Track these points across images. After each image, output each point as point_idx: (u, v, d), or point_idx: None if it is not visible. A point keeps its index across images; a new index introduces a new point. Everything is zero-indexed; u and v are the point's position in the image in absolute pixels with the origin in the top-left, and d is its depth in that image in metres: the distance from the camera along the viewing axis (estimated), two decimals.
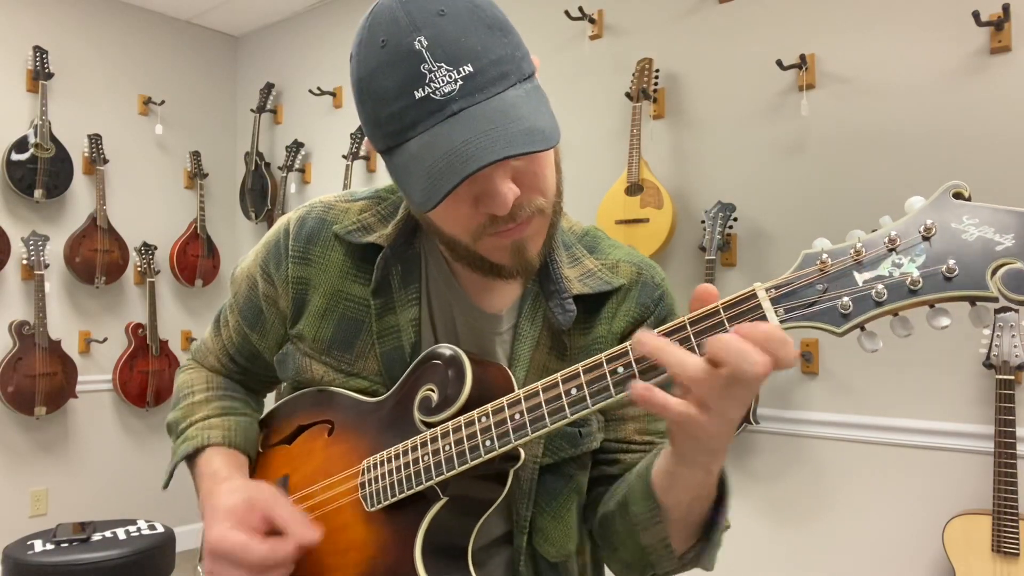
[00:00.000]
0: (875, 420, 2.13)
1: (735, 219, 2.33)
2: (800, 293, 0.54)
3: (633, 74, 2.49)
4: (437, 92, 0.65)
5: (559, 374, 0.66)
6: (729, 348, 0.54)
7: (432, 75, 0.65)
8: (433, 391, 0.76)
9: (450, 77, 0.65)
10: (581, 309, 0.83)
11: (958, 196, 0.51)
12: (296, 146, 3.75)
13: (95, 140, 3.54)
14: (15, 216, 3.36)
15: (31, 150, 3.30)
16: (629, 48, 2.64)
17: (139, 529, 2.61)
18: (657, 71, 2.50)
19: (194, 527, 3.75)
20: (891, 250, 0.52)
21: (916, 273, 0.50)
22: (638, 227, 2.43)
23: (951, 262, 0.49)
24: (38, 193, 3.31)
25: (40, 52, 3.37)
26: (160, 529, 2.62)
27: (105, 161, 3.55)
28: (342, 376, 0.85)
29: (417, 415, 0.77)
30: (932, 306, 0.51)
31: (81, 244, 3.47)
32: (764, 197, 2.35)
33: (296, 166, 3.75)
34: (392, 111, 0.67)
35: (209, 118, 4.11)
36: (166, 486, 0.96)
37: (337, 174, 3.63)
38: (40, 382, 3.27)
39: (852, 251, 0.53)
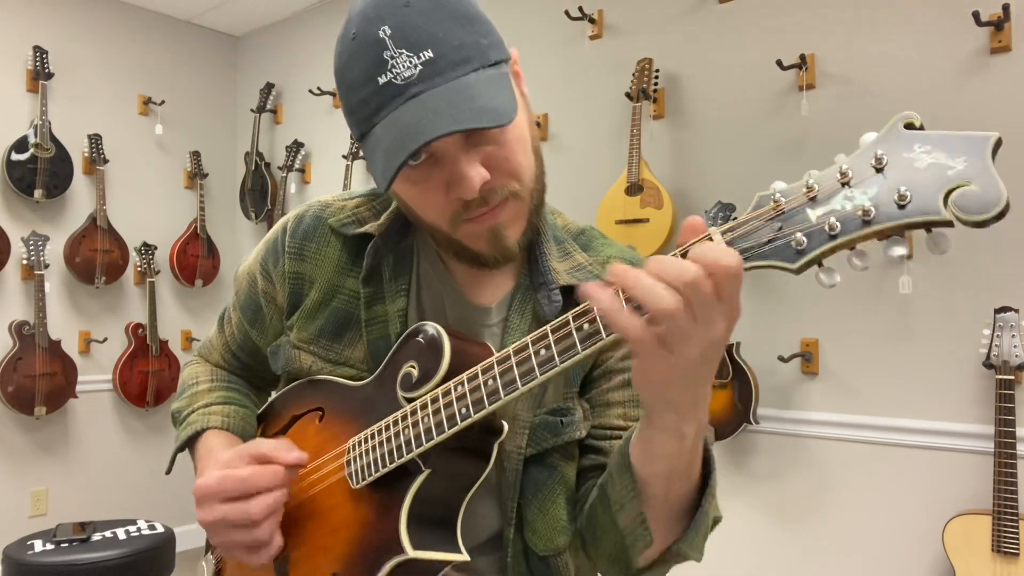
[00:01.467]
0: (875, 420, 2.13)
1: (735, 219, 2.33)
2: (755, 234, 0.54)
3: (633, 74, 2.49)
4: (398, 77, 0.68)
5: (528, 336, 0.66)
6: (637, 285, 0.54)
7: (394, 61, 0.68)
8: (414, 367, 0.76)
9: (411, 63, 0.68)
10: (572, 302, 0.81)
11: (909, 127, 0.50)
12: (296, 146, 3.75)
13: (95, 140, 3.54)
14: (15, 216, 3.36)
15: (31, 150, 3.30)
16: (629, 48, 2.64)
17: (139, 529, 2.61)
18: (657, 71, 2.50)
19: (194, 527, 3.75)
20: (843, 184, 0.51)
21: (868, 204, 0.49)
22: (638, 227, 2.43)
23: (903, 189, 0.49)
24: (38, 193, 3.31)
25: (40, 52, 3.37)
26: (160, 529, 2.62)
27: (105, 161, 3.55)
28: (330, 365, 0.87)
29: (399, 392, 0.77)
30: (887, 236, 0.50)
31: (81, 244, 3.47)
32: None
33: (296, 166, 3.75)
34: (360, 98, 0.71)
35: (209, 118, 4.11)
36: (169, 471, 0.98)
37: (337, 174, 3.63)
38: (40, 382, 3.27)
39: (804, 188, 0.53)
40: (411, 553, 0.71)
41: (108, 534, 2.54)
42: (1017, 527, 1.74)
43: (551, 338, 0.63)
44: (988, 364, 1.85)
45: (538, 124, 2.87)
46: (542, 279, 0.83)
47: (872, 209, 0.49)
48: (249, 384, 1.03)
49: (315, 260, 0.88)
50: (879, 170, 0.49)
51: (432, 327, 0.77)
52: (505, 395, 0.66)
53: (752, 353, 2.32)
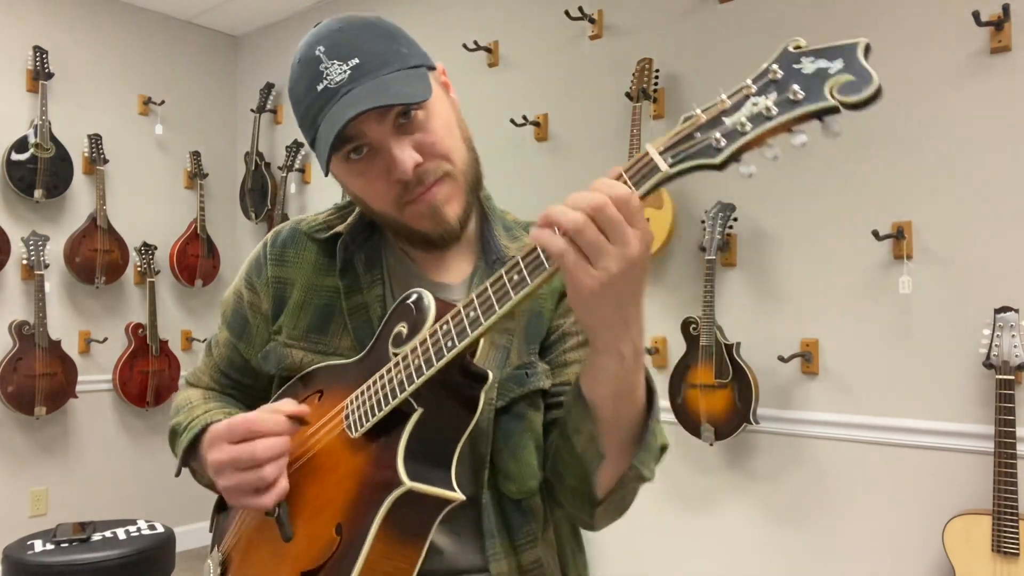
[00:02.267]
0: (875, 420, 2.13)
1: (735, 219, 2.33)
2: (681, 143, 0.64)
3: (633, 74, 2.49)
4: (332, 82, 0.82)
5: (503, 267, 0.73)
6: (554, 212, 0.67)
7: (328, 70, 0.82)
8: (404, 326, 0.83)
9: (341, 69, 0.82)
10: None
11: (797, 48, 0.62)
12: (296, 146, 3.75)
13: (95, 140, 3.54)
14: (15, 216, 3.36)
15: (31, 150, 3.30)
16: (629, 48, 2.64)
17: (139, 529, 2.61)
18: (657, 71, 2.50)
19: (194, 527, 3.75)
20: (747, 96, 0.63)
21: (770, 105, 0.61)
22: None
23: (795, 88, 0.60)
24: (38, 193, 3.31)
25: (40, 52, 3.37)
26: (160, 529, 2.62)
27: (105, 161, 3.55)
28: (320, 357, 0.93)
29: (391, 349, 0.83)
30: (790, 129, 0.61)
31: (81, 244, 3.47)
32: (764, 197, 2.35)
33: (296, 166, 3.75)
34: (306, 106, 0.85)
35: (209, 118, 4.11)
36: (178, 473, 1.02)
37: None
38: (40, 382, 3.27)
39: (719, 102, 0.65)
40: (408, 483, 0.74)
41: (108, 534, 2.54)
42: (1017, 527, 1.74)
43: (522, 264, 0.71)
44: (988, 364, 1.85)
45: (537, 124, 2.87)
46: (495, 256, 0.94)
47: (774, 108, 0.61)
48: (240, 402, 1.06)
49: (295, 264, 0.98)
50: (774, 81, 0.62)
51: (416, 291, 0.84)
52: (485, 320, 0.72)
53: (752, 353, 2.32)
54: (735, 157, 0.63)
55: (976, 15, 1.91)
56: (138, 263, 3.69)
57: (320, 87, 0.82)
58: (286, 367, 0.95)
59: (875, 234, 2.06)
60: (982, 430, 1.93)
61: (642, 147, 2.48)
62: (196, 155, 3.93)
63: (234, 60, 4.22)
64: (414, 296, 0.83)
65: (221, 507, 1.02)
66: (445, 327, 0.76)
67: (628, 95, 2.49)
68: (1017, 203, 1.93)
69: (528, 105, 2.93)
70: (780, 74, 0.62)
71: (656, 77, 2.50)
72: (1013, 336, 1.81)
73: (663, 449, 0.84)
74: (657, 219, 2.40)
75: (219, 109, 4.16)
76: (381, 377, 0.81)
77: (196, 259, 3.88)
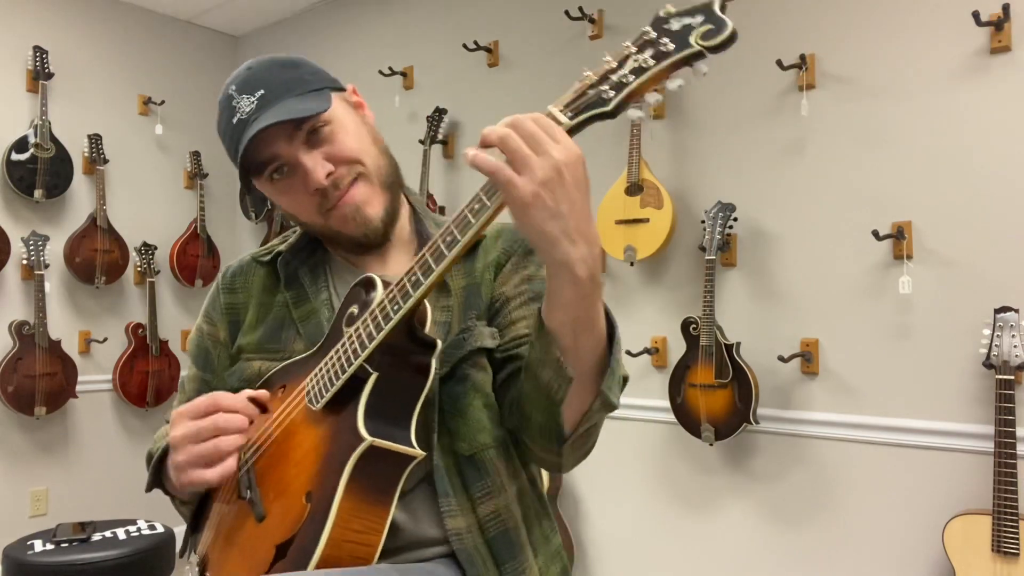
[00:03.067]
0: (875, 420, 2.13)
1: (735, 219, 2.33)
2: (577, 100, 0.74)
3: None
4: (243, 113, 0.92)
5: (437, 234, 0.78)
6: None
7: (238, 104, 0.93)
8: (355, 307, 0.88)
9: (249, 101, 0.92)
10: (463, 261, 0.99)
11: (667, 13, 0.72)
12: None
13: (95, 140, 3.54)
14: (15, 216, 3.36)
15: (31, 150, 3.30)
16: None
17: (139, 529, 2.61)
18: None
19: None
20: (629, 55, 0.73)
21: (647, 58, 0.71)
22: (638, 227, 2.43)
23: (665, 41, 0.71)
24: (38, 193, 3.31)
25: (40, 52, 3.37)
26: (160, 529, 2.62)
27: (105, 161, 3.55)
28: (277, 363, 0.99)
29: (344, 329, 0.88)
30: (667, 77, 0.72)
31: (81, 244, 3.46)
32: (764, 197, 2.35)
33: None
34: (228, 139, 0.94)
35: (209, 118, 4.09)
36: (149, 489, 1.05)
37: None
38: (40, 382, 3.26)
39: (604, 64, 0.74)
40: (369, 439, 0.78)
41: (108, 534, 2.54)
42: (1017, 527, 1.74)
43: (451, 226, 0.77)
44: (988, 364, 1.85)
45: None
46: None
47: (651, 60, 0.71)
48: None
49: (244, 289, 1.07)
50: (649, 40, 0.72)
51: (366, 275, 0.89)
52: (425, 280, 0.78)
53: (752, 353, 2.32)
54: (623, 105, 0.72)
55: (976, 15, 1.91)
56: (138, 263, 3.69)
57: (235, 120, 0.92)
58: (247, 378, 1.01)
59: (875, 234, 2.06)
60: (982, 430, 1.93)
61: (642, 152, 2.48)
62: (196, 155, 3.93)
63: (234, 60, 4.22)
64: (363, 279, 0.90)
65: (195, 527, 1.05)
66: (391, 294, 0.82)
67: None
68: (1017, 203, 1.93)
69: (528, 105, 2.93)
70: (653, 34, 0.72)
71: None
72: (1013, 336, 1.81)
73: (625, 380, 0.87)
74: (657, 219, 2.40)
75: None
76: (336, 351, 0.86)
77: (196, 259, 3.88)
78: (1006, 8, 1.91)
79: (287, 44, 3.95)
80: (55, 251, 3.42)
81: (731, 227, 2.33)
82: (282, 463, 0.87)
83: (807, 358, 2.23)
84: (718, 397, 2.25)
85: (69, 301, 3.53)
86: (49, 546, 2.42)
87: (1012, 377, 1.80)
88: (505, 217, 0.79)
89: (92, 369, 3.58)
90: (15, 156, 3.28)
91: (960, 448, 1.98)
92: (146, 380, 3.67)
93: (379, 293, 0.85)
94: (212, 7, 3.84)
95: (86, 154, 3.54)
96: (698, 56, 0.70)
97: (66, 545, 2.43)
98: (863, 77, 2.18)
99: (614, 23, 2.71)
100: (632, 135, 2.44)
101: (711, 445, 2.39)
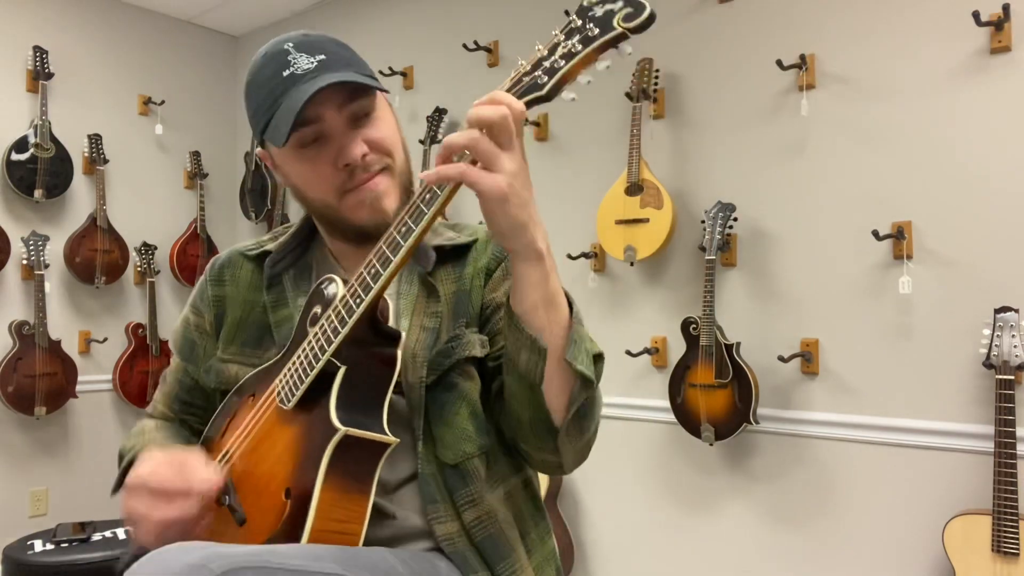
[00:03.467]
0: (875, 420, 2.13)
1: (735, 219, 2.33)
2: (513, 88, 0.78)
3: (633, 74, 2.49)
4: (299, 69, 0.90)
5: (391, 226, 0.82)
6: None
7: (295, 60, 0.90)
8: (318, 308, 0.90)
9: (308, 60, 0.90)
10: (448, 264, 1.02)
11: (590, 2, 0.75)
12: None
13: (95, 140, 3.54)
14: (15, 216, 3.36)
15: (31, 150, 3.30)
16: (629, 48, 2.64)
17: None
18: (657, 71, 2.50)
19: None
20: (558, 43, 0.77)
21: (575, 43, 0.75)
22: (638, 227, 2.43)
23: (591, 26, 0.75)
24: (38, 193, 3.31)
25: (40, 52, 3.37)
26: None
27: (105, 161, 3.55)
28: (251, 369, 1.00)
29: (308, 329, 0.89)
30: (595, 60, 0.76)
31: (81, 244, 3.46)
32: (764, 197, 2.35)
33: None
34: (268, 90, 0.91)
35: (209, 118, 4.11)
36: (114, 492, 1.03)
37: None
38: (40, 382, 3.26)
39: (536, 52, 0.78)
40: (343, 428, 0.79)
41: (108, 534, 2.54)
42: (1017, 527, 1.74)
43: (405, 215, 0.80)
44: (988, 364, 1.85)
45: (538, 124, 2.87)
46: (422, 251, 1.01)
47: (578, 45, 0.75)
48: (191, 429, 1.12)
49: (232, 282, 1.07)
50: (575, 28, 0.76)
51: (327, 276, 0.91)
52: (384, 271, 0.80)
53: (752, 353, 2.32)
54: (557, 88, 0.76)
55: (976, 15, 1.91)
56: (138, 263, 3.69)
57: (286, 73, 0.90)
58: (223, 381, 1.02)
59: (875, 234, 2.06)
60: (982, 430, 1.93)
61: (642, 152, 2.49)
62: (196, 155, 3.93)
63: (234, 60, 4.22)
64: (323, 279, 0.92)
65: None
66: (352, 289, 0.83)
67: (628, 95, 2.49)
68: (1017, 203, 1.93)
69: None
70: (579, 21, 0.76)
71: (656, 77, 2.50)
72: (1013, 336, 1.81)
73: (599, 357, 0.89)
74: (657, 219, 2.40)
75: (219, 109, 4.16)
76: (302, 350, 0.88)
77: (196, 259, 3.88)
78: (1006, 8, 1.91)
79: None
80: (55, 251, 3.42)
81: (731, 227, 2.33)
82: (258, 466, 0.88)
83: (807, 358, 2.23)
84: (718, 397, 2.25)
85: (69, 301, 3.53)
86: (49, 546, 2.42)
87: (1012, 377, 1.79)
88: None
89: (92, 369, 3.58)
90: (15, 156, 3.28)
91: (960, 448, 1.98)
92: (146, 380, 3.67)
93: (340, 289, 0.87)
94: (212, 7, 3.84)
95: (86, 154, 3.54)
96: (621, 37, 0.74)
97: (66, 545, 2.43)
98: (863, 77, 2.18)
99: None
100: (632, 135, 2.44)
101: (711, 445, 2.39)
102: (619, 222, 2.46)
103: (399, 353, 0.87)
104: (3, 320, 3.28)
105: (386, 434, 0.82)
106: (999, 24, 1.93)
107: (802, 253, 2.27)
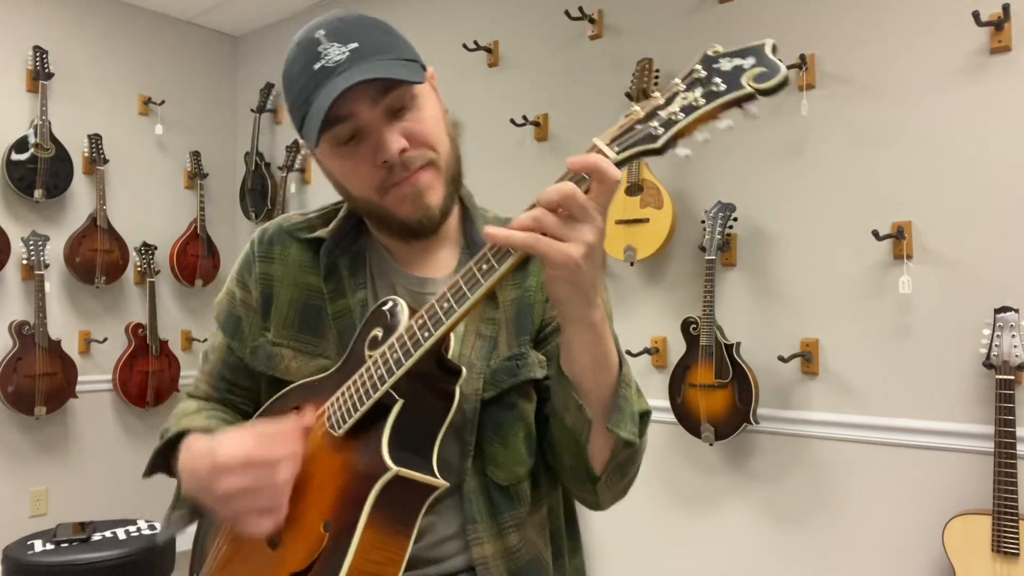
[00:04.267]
0: (875, 420, 2.13)
1: (735, 219, 2.33)
2: (625, 135, 0.73)
3: (633, 74, 2.49)
4: (330, 61, 0.84)
5: (472, 260, 0.76)
6: (546, 191, 0.72)
7: (326, 51, 0.84)
8: (379, 331, 0.85)
9: (340, 51, 0.84)
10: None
11: (715, 52, 0.70)
12: (296, 146, 3.75)
13: (95, 140, 3.54)
14: (15, 216, 3.36)
15: (31, 150, 3.30)
16: (629, 48, 2.64)
17: (139, 529, 2.61)
18: (657, 71, 2.50)
19: (194, 527, 3.74)
20: (677, 93, 0.71)
21: (698, 96, 0.70)
22: (638, 227, 2.43)
23: (717, 80, 0.69)
24: (38, 193, 3.31)
25: (40, 52, 3.37)
26: (160, 529, 2.62)
27: (105, 161, 3.55)
28: (307, 357, 0.95)
29: (366, 352, 0.85)
30: (716, 117, 0.70)
31: (81, 244, 3.46)
32: (764, 197, 2.35)
33: (296, 166, 3.75)
34: (300, 85, 0.87)
35: (209, 118, 4.11)
36: (146, 475, 0.99)
37: None
38: (40, 382, 3.26)
39: (653, 99, 0.73)
40: (395, 468, 0.76)
41: (108, 534, 2.54)
42: (1017, 527, 1.74)
43: (488, 253, 0.75)
44: (988, 364, 1.85)
45: (538, 124, 2.87)
46: (478, 247, 0.93)
47: (701, 99, 0.70)
48: (236, 410, 1.05)
49: (281, 260, 1.00)
50: (699, 79, 0.70)
51: (391, 298, 0.87)
52: (459, 307, 0.75)
53: (752, 353, 2.32)
54: (672, 142, 0.71)
55: (976, 15, 1.91)
56: (138, 263, 3.69)
57: (317, 66, 0.84)
58: (273, 367, 0.96)
59: (875, 234, 2.06)
60: (982, 430, 1.93)
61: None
62: (196, 155, 3.93)
63: (234, 60, 4.22)
64: (389, 303, 0.86)
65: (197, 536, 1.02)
66: (420, 321, 0.79)
67: (628, 95, 2.49)
68: (1017, 203, 1.93)
69: (528, 105, 2.93)
70: (703, 73, 0.70)
71: (656, 77, 2.50)
72: (1013, 336, 1.81)
73: (645, 415, 0.87)
74: (657, 219, 2.40)
75: (219, 109, 4.16)
76: (360, 376, 0.83)
77: (196, 259, 3.88)
78: (1006, 8, 1.91)
79: (287, 44, 3.94)
80: (55, 251, 3.42)
81: (731, 227, 2.33)
82: (299, 489, 0.83)
83: (807, 358, 2.23)
84: (718, 397, 2.25)
85: (69, 301, 3.53)
86: (49, 546, 2.42)
87: (1012, 377, 1.79)
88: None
89: (92, 369, 3.58)
90: (15, 156, 3.28)
91: (960, 448, 1.98)
92: (146, 380, 3.67)
93: (404, 321, 0.82)
94: (212, 7, 3.84)
95: (86, 154, 3.54)
96: (749, 98, 0.68)
97: (66, 545, 2.43)
98: (863, 77, 2.18)
99: (614, 23, 2.71)
100: None
101: (711, 445, 2.39)
102: (619, 222, 2.46)
103: (458, 391, 0.83)
104: (3, 320, 3.28)
105: (436, 476, 0.79)
106: (999, 24, 1.93)
107: (802, 253, 2.27)
